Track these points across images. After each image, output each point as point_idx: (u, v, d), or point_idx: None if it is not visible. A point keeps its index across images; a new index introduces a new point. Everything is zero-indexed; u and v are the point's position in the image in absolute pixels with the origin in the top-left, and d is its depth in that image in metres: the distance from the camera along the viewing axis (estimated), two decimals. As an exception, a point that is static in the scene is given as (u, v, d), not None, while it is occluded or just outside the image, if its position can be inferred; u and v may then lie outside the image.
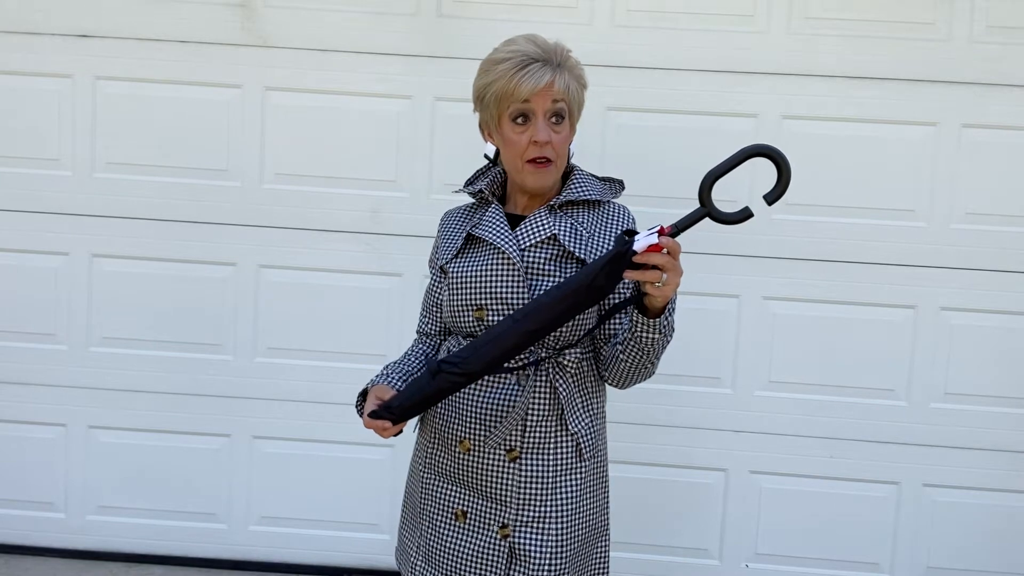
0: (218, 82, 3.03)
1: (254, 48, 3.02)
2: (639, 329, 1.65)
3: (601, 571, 1.89)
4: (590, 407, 1.84)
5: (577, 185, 1.84)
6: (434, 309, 1.94)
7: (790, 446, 3.03)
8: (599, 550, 1.88)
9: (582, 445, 1.79)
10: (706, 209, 1.58)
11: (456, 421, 1.81)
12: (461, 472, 1.80)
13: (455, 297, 1.81)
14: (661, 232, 1.55)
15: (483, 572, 1.77)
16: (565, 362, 1.78)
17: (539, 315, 1.61)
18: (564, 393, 1.78)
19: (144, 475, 3.16)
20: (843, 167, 2.95)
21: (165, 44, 3.03)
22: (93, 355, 3.13)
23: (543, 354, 1.78)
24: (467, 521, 1.80)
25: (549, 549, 1.76)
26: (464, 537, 1.80)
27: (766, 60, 2.93)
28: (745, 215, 1.58)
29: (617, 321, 1.80)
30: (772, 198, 1.59)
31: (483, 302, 1.77)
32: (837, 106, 2.93)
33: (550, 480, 1.77)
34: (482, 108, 1.81)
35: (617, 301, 1.79)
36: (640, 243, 1.55)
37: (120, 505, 3.18)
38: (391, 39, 2.99)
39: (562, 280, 1.71)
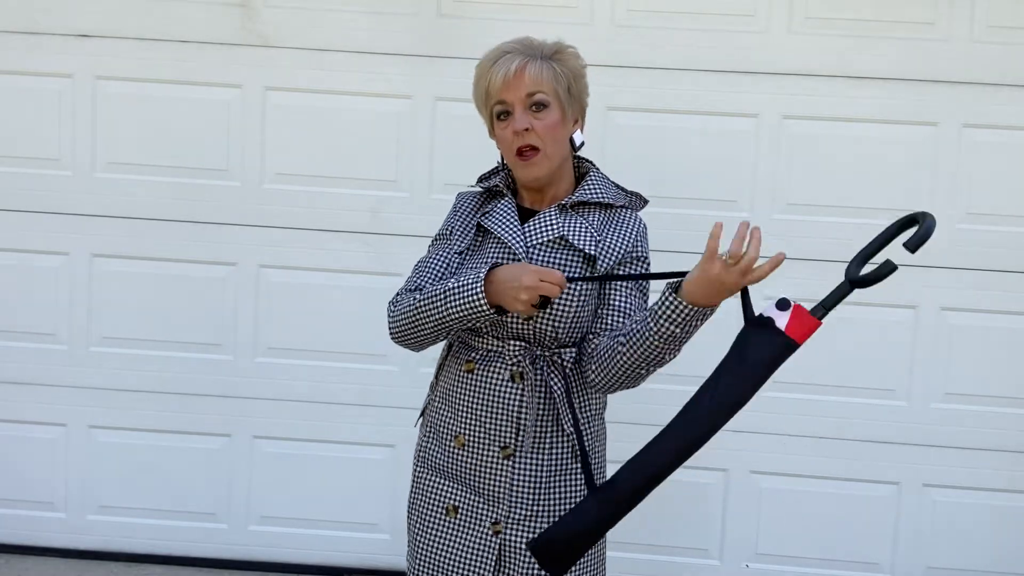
0: (218, 82, 3.03)
1: (254, 48, 3.02)
2: (674, 318, 1.63)
3: (598, 571, 1.88)
4: (586, 407, 1.83)
5: (590, 187, 1.84)
6: (436, 276, 1.83)
7: (790, 446, 3.03)
8: (596, 550, 1.87)
9: (577, 446, 1.79)
10: (851, 285, 1.55)
11: (452, 416, 1.81)
12: (454, 467, 1.81)
13: None
14: (797, 308, 1.55)
15: (473, 567, 1.78)
16: (561, 361, 1.78)
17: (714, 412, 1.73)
18: (558, 392, 1.78)
19: (144, 475, 3.16)
20: (843, 167, 2.95)
21: (165, 44, 3.02)
22: (93, 355, 3.13)
23: (539, 352, 1.77)
24: (458, 516, 1.80)
25: None
26: (455, 532, 1.80)
27: (767, 60, 2.93)
28: (888, 269, 1.49)
29: (619, 316, 1.78)
30: (913, 245, 1.50)
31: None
32: (838, 106, 2.93)
33: (544, 479, 1.77)
34: (481, 111, 1.84)
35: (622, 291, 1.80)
36: (780, 322, 1.56)
37: (120, 505, 3.18)
38: (391, 39, 2.98)
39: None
